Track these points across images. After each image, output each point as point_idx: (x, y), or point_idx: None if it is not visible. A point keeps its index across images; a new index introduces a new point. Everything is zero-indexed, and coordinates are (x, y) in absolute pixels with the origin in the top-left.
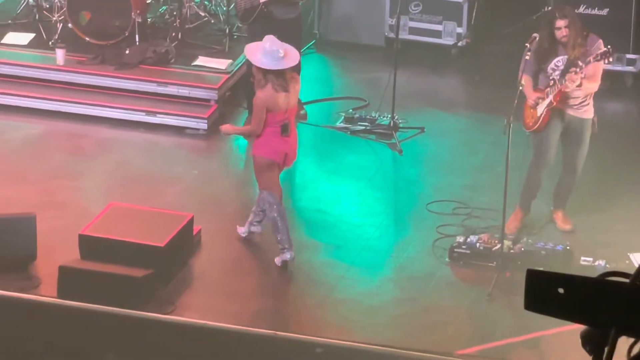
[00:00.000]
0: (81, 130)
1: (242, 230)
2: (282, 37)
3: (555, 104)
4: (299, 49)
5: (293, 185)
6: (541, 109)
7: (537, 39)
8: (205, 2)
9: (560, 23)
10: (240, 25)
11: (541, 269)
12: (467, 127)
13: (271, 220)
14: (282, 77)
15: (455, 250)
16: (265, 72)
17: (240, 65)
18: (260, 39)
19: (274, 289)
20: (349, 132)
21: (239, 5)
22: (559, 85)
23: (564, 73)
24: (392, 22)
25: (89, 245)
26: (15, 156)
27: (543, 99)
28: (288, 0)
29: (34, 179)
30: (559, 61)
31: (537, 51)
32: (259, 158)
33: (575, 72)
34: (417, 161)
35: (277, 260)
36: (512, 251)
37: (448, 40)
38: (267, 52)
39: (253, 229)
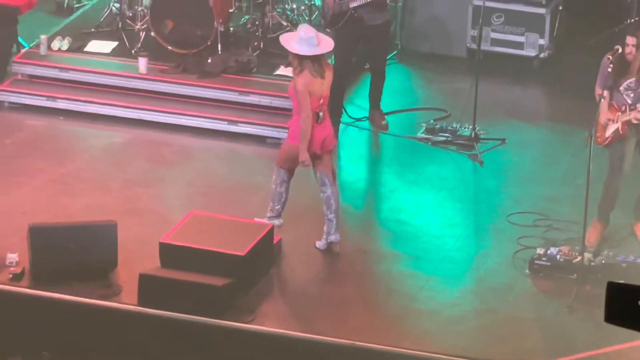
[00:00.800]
0: (163, 139)
1: (320, 244)
2: (371, 43)
3: (622, 132)
4: (386, 54)
5: (374, 196)
6: (609, 132)
7: (619, 51)
8: (288, 12)
9: (629, 40)
10: (328, 30)
11: (622, 281)
12: (548, 139)
13: (278, 193)
14: (317, 63)
15: (536, 262)
16: (302, 58)
17: None
18: (346, 45)
19: (354, 299)
20: (430, 143)
21: (327, 10)
22: (629, 114)
23: (637, 98)
24: (474, 33)
25: (170, 253)
26: (97, 164)
27: (614, 121)
28: (377, 5)
29: (116, 186)
30: (632, 82)
31: (616, 65)
32: (288, 145)
33: None
34: (497, 172)
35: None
36: (592, 264)
37: (530, 52)
38: (302, 40)
39: (332, 239)
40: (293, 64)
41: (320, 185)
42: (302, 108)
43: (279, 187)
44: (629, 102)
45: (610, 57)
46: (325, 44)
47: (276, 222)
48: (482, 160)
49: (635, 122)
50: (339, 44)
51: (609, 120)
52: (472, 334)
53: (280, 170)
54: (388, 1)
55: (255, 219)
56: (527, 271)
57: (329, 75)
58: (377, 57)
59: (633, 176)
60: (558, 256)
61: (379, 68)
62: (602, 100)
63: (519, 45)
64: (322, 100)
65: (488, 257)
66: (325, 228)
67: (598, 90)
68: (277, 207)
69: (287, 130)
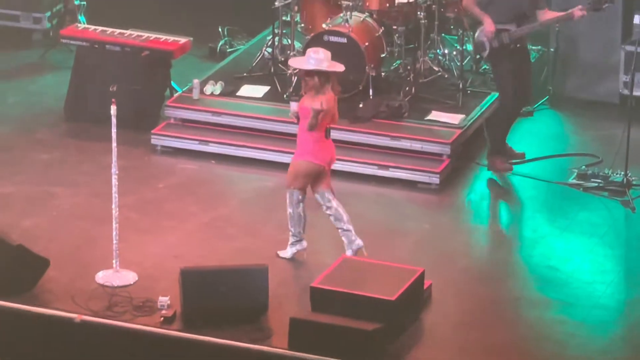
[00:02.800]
0: None
1: (349, 252)
2: (522, 70)
3: None
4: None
5: (524, 241)
6: None
7: None
8: (440, 57)
9: None
10: (484, 63)
11: None
12: None
13: (333, 214)
14: (336, 82)
15: None
16: (327, 77)
17: (473, 120)
18: (509, 75)
19: (505, 345)
20: (581, 189)
21: (484, 44)
22: None
23: None
24: (626, 79)
25: (320, 298)
26: (248, 208)
27: None
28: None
29: (266, 230)
30: None
31: None
32: (304, 163)
33: None
34: None
35: (283, 253)
36: None
37: None
38: (320, 60)
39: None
40: (312, 83)
41: (325, 203)
42: (320, 124)
43: (295, 208)
44: None
45: None
46: (337, 64)
47: (299, 246)
48: (634, 207)
49: None
50: (503, 78)
51: None
52: None
53: (293, 192)
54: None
55: (279, 252)
56: None
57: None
58: (528, 83)
59: None
60: None
61: (530, 93)
62: None
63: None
64: (335, 117)
65: None
66: (345, 239)
67: None
68: (298, 231)
69: (437, 175)
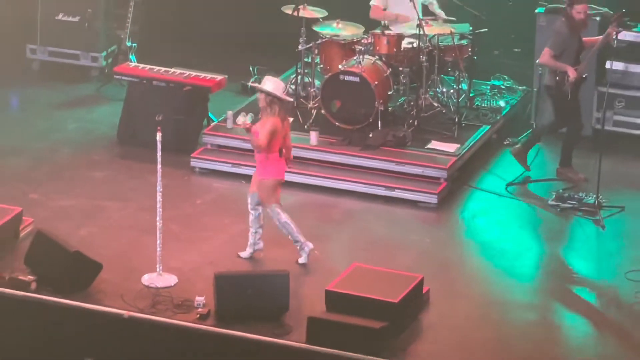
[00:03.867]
0: (330, 201)
1: (245, 254)
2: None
3: None
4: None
5: (509, 253)
6: None
7: None
8: (439, 95)
9: None
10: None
11: None
12: None
13: (283, 226)
14: (285, 108)
15: None
16: (276, 102)
17: (467, 149)
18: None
19: (491, 341)
20: (558, 209)
21: (567, 83)
22: None
23: None
24: (598, 115)
25: (334, 300)
26: (272, 224)
27: None
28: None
29: (289, 241)
30: None
31: None
32: (273, 180)
33: None
34: (617, 236)
35: (302, 259)
36: None
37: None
38: (275, 87)
39: (257, 247)
40: (263, 103)
41: (277, 216)
42: (268, 144)
43: (284, 219)
44: None
45: None
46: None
47: (307, 248)
48: (604, 225)
49: None
50: (578, 107)
51: None
52: None
53: (274, 207)
54: None
55: (299, 260)
56: None
57: (288, 121)
58: (578, 111)
59: None
60: None
61: (579, 125)
62: None
63: (638, 127)
64: (286, 141)
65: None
66: (251, 238)
67: None
68: (298, 237)
69: (436, 196)
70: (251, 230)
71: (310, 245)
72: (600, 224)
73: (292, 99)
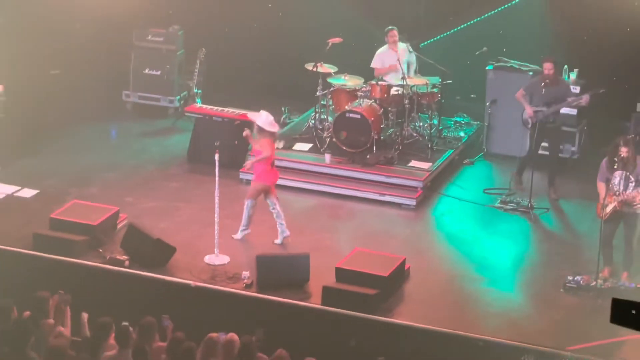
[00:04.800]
0: (338, 204)
1: (238, 236)
2: (551, 137)
3: (618, 208)
4: (558, 149)
5: (467, 241)
6: (608, 209)
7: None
8: (417, 127)
9: (622, 149)
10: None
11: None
12: (576, 209)
13: (247, 213)
14: (274, 136)
15: (567, 284)
16: (268, 130)
17: (437, 166)
18: (538, 140)
19: (455, 302)
20: (502, 209)
21: (527, 120)
22: (621, 196)
23: (625, 187)
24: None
25: (342, 274)
26: (298, 218)
27: (611, 202)
28: (557, 113)
29: (309, 231)
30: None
31: (613, 164)
32: (260, 184)
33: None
34: (547, 230)
35: (236, 236)
36: (603, 287)
37: (565, 155)
38: (270, 122)
39: (285, 235)
40: (259, 134)
41: (274, 204)
42: (267, 156)
43: (251, 210)
44: (621, 189)
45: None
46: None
47: (247, 231)
48: (535, 217)
49: (624, 203)
50: (535, 140)
51: (608, 202)
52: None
53: (252, 201)
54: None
55: (233, 236)
56: (561, 290)
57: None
58: (555, 148)
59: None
60: (581, 281)
61: (556, 156)
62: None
63: (560, 151)
64: (273, 157)
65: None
66: (279, 228)
67: (599, 183)
68: (248, 223)
69: (414, 200)
70: (278, 223)
71: (249, 231)
72: (532, 218)
73: (275, 130)
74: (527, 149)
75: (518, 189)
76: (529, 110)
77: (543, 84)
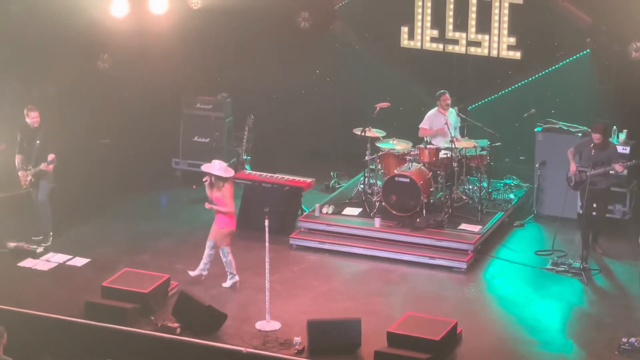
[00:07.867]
0: (389, 268)
1: (194, 273)
2: (598, 200)
3: None
4: (606, 207)
5: (519, 303)
6: None
7: None
8: (466, 190)
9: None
10: (572, 189)
11: None
12: (630, 270)
13: (228, 263)
14: (230, 182)
15: (621, 346)
16: (227, 178)
17: (487, 229)
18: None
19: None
20: (554, 272)
21: (571, 178)
22: None
23: None
24: (580, 204)
25: (393, 338)
26: (349, 283)
27: None
28: (605, 175)
29: (360, 297)
30: None
31: None
32: (228, 230)
33: None
34: (599, 291)
35: (225, 284)
36: None
37: (617, 215)
38: (225, 169)
39: (204, 273)
40: (218, 183)
41: (226, 253)
42: (230, 205)
43: (229, 255)
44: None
45: None
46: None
47: (234, 280)
48: (587, 283)
49: None
50: (585, 202)
51: None
52: None
53: (225, 248)
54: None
55: (223, 284)
56: (616, 352)
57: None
58: (601, 209)
59: None
60: (636, 343)
61: (602, 217)
62: None
63: (610, 211)
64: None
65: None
66: (229, 276)
67: None
68: (232, 270)
69: (465, 263)
70: (203, 261)
71: (237, 278)
72: (584, 281)
73: (231, 174)
74: (579, 211)
75: (598, 253)
76: (572, 168)
77: (592, 144)
